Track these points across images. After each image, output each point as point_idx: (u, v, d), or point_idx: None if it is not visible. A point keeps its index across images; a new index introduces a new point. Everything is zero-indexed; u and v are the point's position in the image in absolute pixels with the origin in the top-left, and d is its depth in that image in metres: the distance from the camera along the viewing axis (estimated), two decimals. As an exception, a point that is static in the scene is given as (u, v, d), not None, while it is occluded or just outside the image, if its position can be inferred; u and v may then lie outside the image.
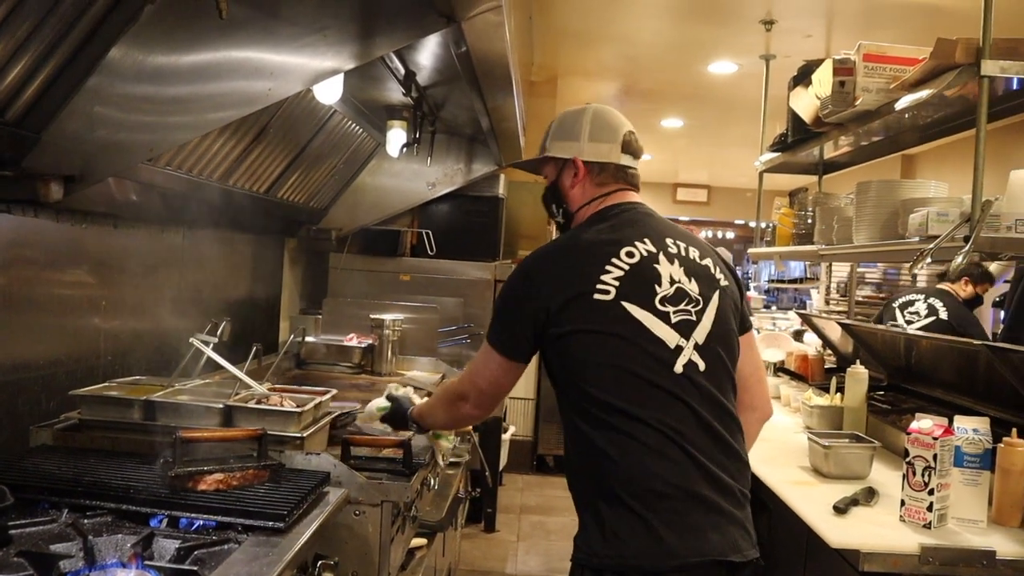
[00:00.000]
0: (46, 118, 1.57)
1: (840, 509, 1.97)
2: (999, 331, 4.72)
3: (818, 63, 3.06)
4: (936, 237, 2.09)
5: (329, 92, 2.63)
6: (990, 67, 1.96)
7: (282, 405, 1.96)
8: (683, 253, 1.69)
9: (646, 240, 1.68)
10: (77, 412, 1.91)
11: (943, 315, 3.91)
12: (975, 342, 2.33)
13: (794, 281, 11.12)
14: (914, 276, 6.37)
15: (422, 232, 4.26)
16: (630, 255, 1.65)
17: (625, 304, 1.59)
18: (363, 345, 3.47)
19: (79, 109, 1.57)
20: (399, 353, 3.52)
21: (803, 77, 3.24)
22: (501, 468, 4.93)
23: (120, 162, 1.84)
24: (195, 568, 1.29)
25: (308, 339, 3.46)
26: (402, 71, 2.74)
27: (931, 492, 1.85)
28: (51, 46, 1.45)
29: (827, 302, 7.63)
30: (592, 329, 1.59)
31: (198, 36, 1.56)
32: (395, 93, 3.09)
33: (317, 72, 1.82)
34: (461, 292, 4.17)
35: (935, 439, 1.85)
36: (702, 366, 1.61)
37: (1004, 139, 4.77)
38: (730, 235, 16.33)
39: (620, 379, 1.57)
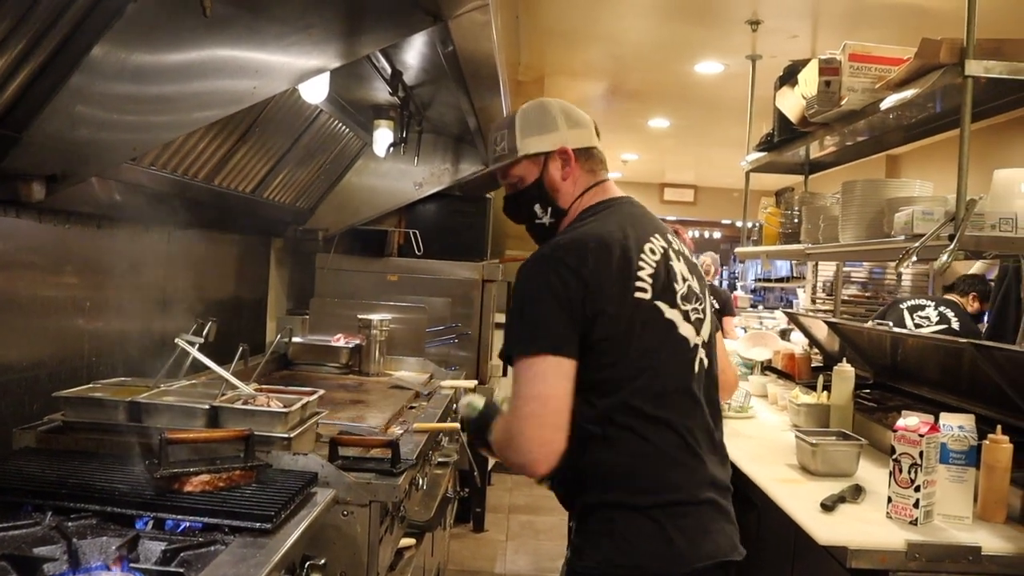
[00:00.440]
0: (27, 118, 1.55)
1: (827, 506, 1.98)
2: (984, 329, 4.76)
3: (804, 63, 3.08)
4: (921, 236, 2.10)
5: (315, 91, 2.62)
6: (974, 67, 1.98)
7: (269, 406, 1.95)
8: (679, 248, 1.68)
9: (656, 236, 1.62)
10: (61, 414, 1.89)
11: (955, 325, 3.93)
12: (960, 340, 2.35)
13: (781, 280, 11.19)
14: (899, 275, 6.42)
15: (409, 232, 4.25)
16: (652, 251, 1.57)
17: (659, 304, 1.53)
18: (350, 345, 3.46)
19: (61, 108, 1.55)
20: (387, 353, 3.51)
21: (789, 77, 3.26)
22: (489, 468, 4.94)
23: (103, 162, 1.83)
24: (181, 570, 1.28)
25: (295, 339, 3.44)
26: (388, 70, 2.74)
27: (917, 489, 1.86)
28: (31, 45, 1.43)
29: (814, 301, 7.68)
30: (633, 331, 1.50)
31: (182, 34, 1.55)
32: (382, 92, 3.08)
33: (302, 71, 1.81)
34: (449, 292, 4.16)
35: (921, 436, 1.86)
36: (707, 363, 1.61)
37: (988, 139, 4.82)
38: (717, 235, 16.41)
39: (652, 383, 1.51)
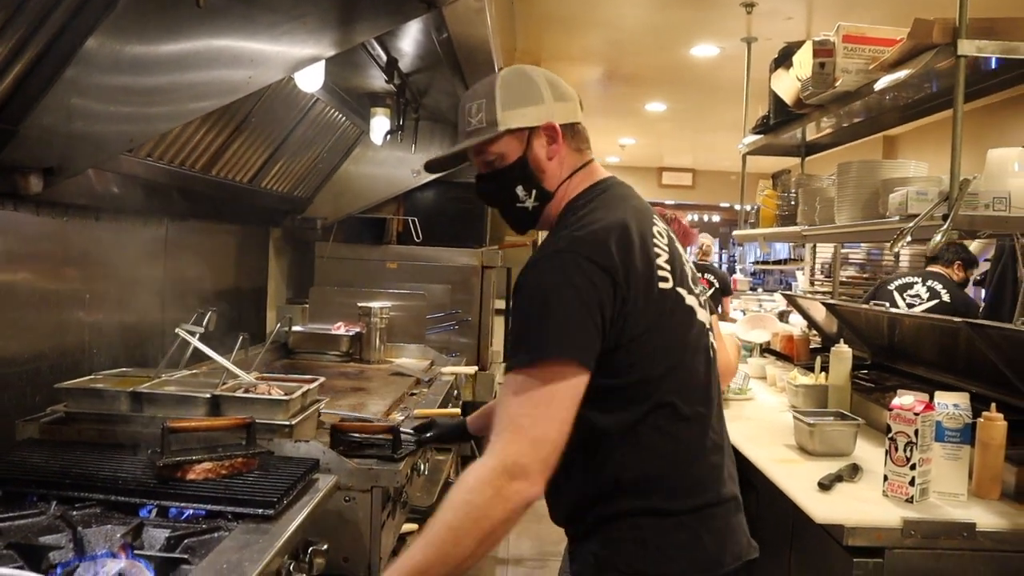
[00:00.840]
0: (23, 111, 1.56)
1: (825, 485, 2.00)
2: (981, 309, 4.77)
3: (799, 45, 3.07)
4: (916, 216, 2.11)
5: (310, 80, 2.62)
6: (967, 47, 1.98)
7: (270, 393, 1.97)
8: (671, 232, 1.63)
9: (655, 219, 1.52)
10: (63, 405, 1.91)
11: (945, 297, 3.94)
12: (956, 319, 2.36)
13: (779, 262, 11.20)
14: (897, 255, 6.43)
15: (408, 219, 4.25)
16: (660, 235, 1.47)
17: (680, 290, 1.43)
18: (351, 333, 3.47)
19: (56, 101, 1.55)
20: (387, 341, 3.52)
21: (784, 59, 3.25)
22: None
23: (99, 153, 1.83)
24: (185, 556, 1.29)
25: (295, 328, 3.45)
26: (384, 58, 2.73)
27: (913, 467, 1.88)
28: (26, 38, 1.44)
29: (812, 283, 7.69)
30: (662, 325, 1.39)
31: (176, 25, 1.55)
32: (377, 80, 3.08)
33: (297, 60, 1.81)
34: (448, 279, 4.17)
35: (916, 415, 1.88)
36: (716, 348, 1.56)
37: (984, 119, 4.81)
38: (715, 218, 16.40)
39: (685, 379, 1.42)
